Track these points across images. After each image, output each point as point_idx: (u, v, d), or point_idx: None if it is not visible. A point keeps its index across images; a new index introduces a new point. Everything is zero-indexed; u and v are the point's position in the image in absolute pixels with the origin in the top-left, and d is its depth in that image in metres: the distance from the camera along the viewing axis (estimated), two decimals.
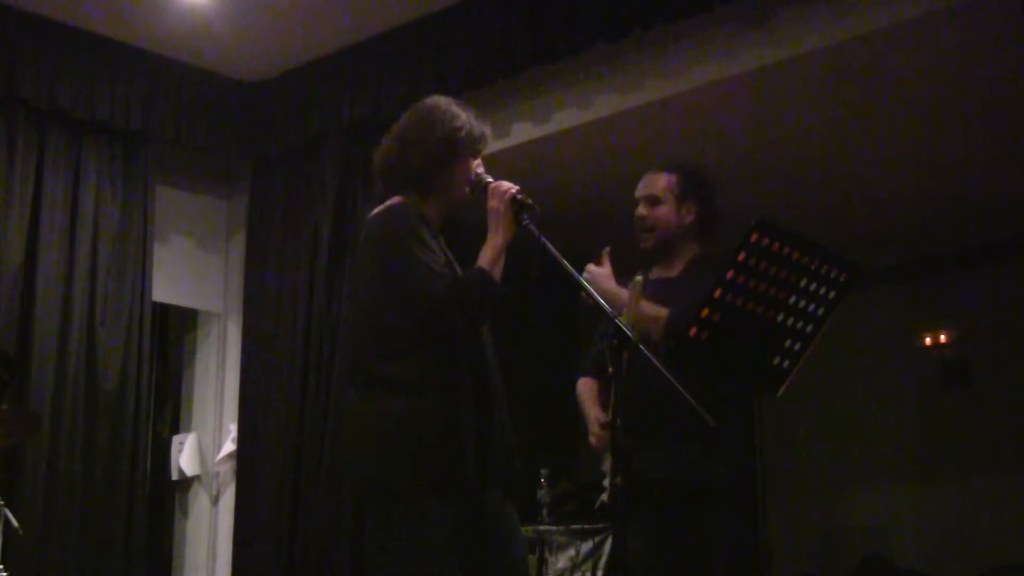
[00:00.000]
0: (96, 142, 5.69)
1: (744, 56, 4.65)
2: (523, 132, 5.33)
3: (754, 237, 2.59)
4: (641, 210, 3.31)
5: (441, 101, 2.98)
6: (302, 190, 5.98)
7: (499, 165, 5.24)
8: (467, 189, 2.89)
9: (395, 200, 2.85)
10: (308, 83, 5.90)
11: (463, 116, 2.93)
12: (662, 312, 3.09)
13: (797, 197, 5.93)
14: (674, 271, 3.28)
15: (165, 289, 6.10)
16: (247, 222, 6.25)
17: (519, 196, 2.76)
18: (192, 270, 6.34)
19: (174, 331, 6.80)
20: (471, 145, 2.92)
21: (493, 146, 5.44)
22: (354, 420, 2.75)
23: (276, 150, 6.08)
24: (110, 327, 5.61)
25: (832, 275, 2.69)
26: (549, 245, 2.70)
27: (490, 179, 2.87)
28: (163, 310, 6.39)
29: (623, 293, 3.01)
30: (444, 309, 2.62)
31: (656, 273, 3.32)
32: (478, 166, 2.94)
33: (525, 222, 2.72)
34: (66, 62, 5.47)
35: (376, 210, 2.84)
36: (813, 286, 2.68)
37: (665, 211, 3.28)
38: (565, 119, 5.20)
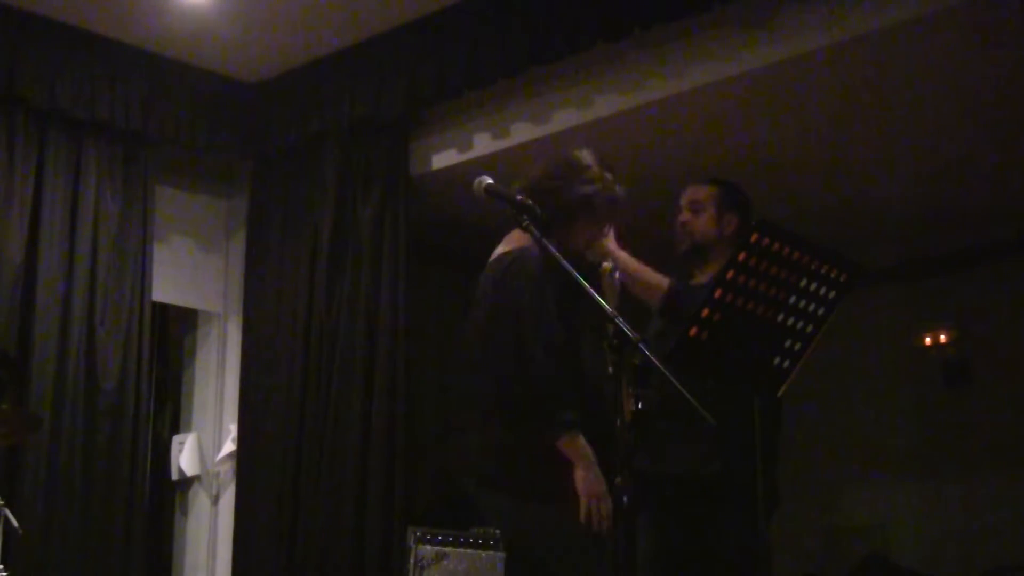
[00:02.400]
0: (96, 142, 5.69)
1: (744, 56, 4.65)
2: (523, 132, 5.33)
3: (754, 237, 2.60)
4: (685, 216, 3.41)
5: (583, 158, 3.06)
6: (302, 190, 5.97)
7: (499, 165, 5.25)
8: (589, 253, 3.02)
9: (521, 244, 2.96)
10: (308, 83, 5.90)
11: (599, 179, 3.02)
12: (664, 281, 3.27)
13: (797, 197, 5.93)
14: (705, 277, 3.34)
15: (165, 289, 6.10)
16: (247, 222, 6.24)
17: (519, 198, 2.78)
18: (192, 270, 6.34)
19: (174, 331, 6.79)
20: (600, 211, 3.03)
21: (493, 146, 5.52)
22: None
23: (276, 150, 6.08)
24: (110, 327, 5.60)
25: (832, 275, 2.70)
26: (550, 246, 2.71)
27: (611, 257, 3.05)
28: (163, 310, 6.39)
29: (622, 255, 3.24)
30: None
31: (696, 280, 3.42)
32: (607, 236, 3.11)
33: (525, 223, 2.74)
34: (66, 62, 5.47)
35: (503, 249, 3.00)
36: (813, 286, 2.69)
37: (707, 219, 3.39)
38: (565, 119, 5.20)
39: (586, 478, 2.81)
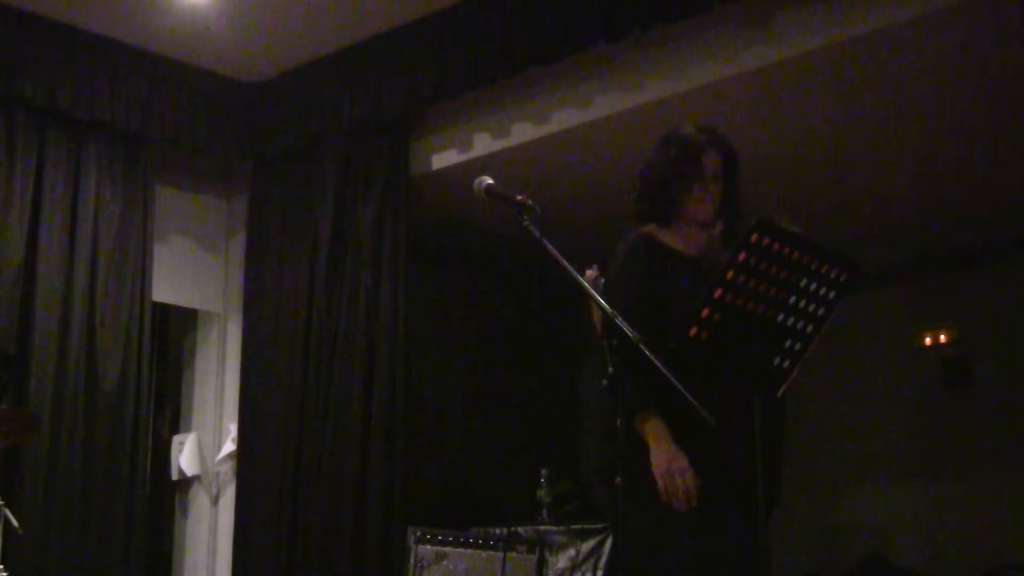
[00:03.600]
0: (96, 142, 5.69)
1: (744, 56, 4.66)
2: (523, 132, 5.34)
3: (754, 237, 2.59)
4: None
5: (676, 126, 3.19)
6: (302, 190, 5.98)
7: (499, 165, 5.24)
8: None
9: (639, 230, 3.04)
10: (308, 83, 5.90)
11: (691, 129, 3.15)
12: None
13: (797, 197, 5.93)
14: None
15: (165, 289, 6.10)
16: (247, 222, 6.25)
17: (519, 198, 2.77)
18: (192, 270, 6.34)
19: (174, 331, 6.80)
20: (699, 151, 3.12)
21: (493, 146, 5.52)
22: None
23: (276, 150, 6.08)
24: (110, 327, 5.60)
25: (832, 275, 2.69)
26: (549, 246, 2.71)
27: None
28: (163, 310, 6.39)
29: None
30: None
31: None
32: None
33: (525, 223, 2.73)
34: (66, 62, 5.47)
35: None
36: (813, 286, 2.68)
37: None
38: (565, 119, 5.20)
39: (657, 456, 2.77)
